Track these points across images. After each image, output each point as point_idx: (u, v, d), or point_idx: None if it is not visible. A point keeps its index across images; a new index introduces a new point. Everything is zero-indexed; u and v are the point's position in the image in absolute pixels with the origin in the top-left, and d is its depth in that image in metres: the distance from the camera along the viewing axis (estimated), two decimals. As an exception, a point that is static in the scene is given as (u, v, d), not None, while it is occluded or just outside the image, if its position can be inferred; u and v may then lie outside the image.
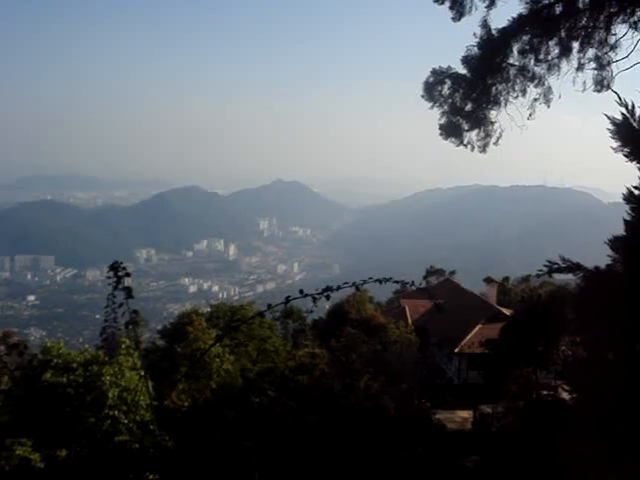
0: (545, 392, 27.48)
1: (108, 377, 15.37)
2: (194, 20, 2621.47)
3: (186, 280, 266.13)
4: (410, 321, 49.71)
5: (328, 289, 6.59)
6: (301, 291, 6.29)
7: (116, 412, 15.42)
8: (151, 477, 8.01)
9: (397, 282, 6.64)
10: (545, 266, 9.39)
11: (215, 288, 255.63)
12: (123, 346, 16.01)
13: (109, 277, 6.78)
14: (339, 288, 6.36)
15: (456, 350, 45.99)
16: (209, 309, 48.04)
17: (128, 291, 6.61)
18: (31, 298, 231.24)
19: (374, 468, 14.70)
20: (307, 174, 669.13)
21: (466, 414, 36.97)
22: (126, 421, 15.48)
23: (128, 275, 6.73)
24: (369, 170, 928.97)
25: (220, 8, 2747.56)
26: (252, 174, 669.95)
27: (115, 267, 6.75)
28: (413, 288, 7.29)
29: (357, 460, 14.41)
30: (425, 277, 71.14)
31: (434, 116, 14.96)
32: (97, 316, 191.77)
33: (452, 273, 72.72)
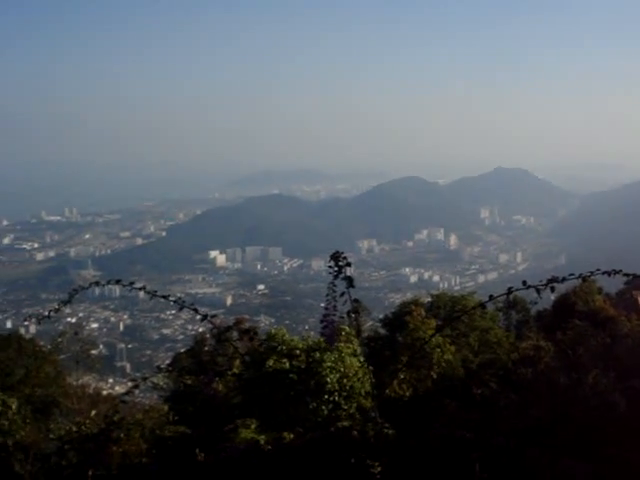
0: None
1: (329, 363, 15.84)
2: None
3: (407, 270, 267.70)
4: (644, 314, 46.79)
5: (552, 280, 6.34)
6: (524, 282, 6.11)
7: (336, 397, 15.89)
8: (372, 464, 8.14)
9: (627, 275, 6.25)
10: None
11: (436, 278, 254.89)
12: (343, 333, 16.44)
13: (330, 267, 6.97)
14: (564, 280, 6.09)
15: (697, 346, 42.60)
16: (430, 299, 47.92)
17: (349, 280, 6.76)
18: (261, 287, 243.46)
19: (603, 468, 13.99)
20: (530, 160, 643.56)
21: None
22: (346, 407, 15.91)
23: (349, 265, 6.88)
24: (597, 154, 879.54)
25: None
26: (473, 162, 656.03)
27: (336, 257, 6.93)
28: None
29: (584, 459, 13.79)
30: (661, 267, 66.49)
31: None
32: (321, 304, 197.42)
33: (692, 263, 67.26)
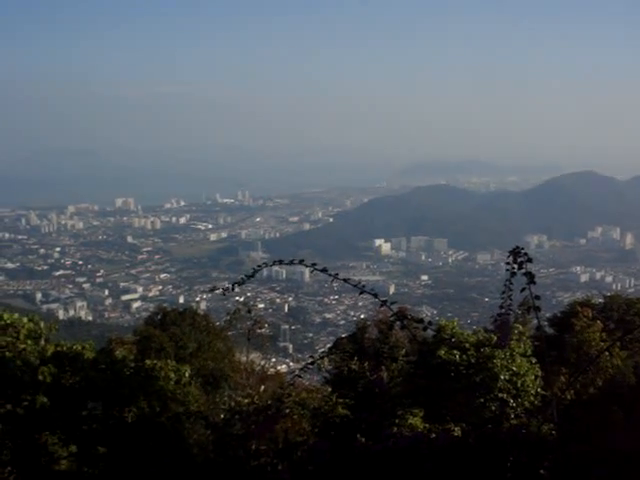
0: None
1: (499, 360, 15.58)
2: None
3: (577, 269, 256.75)
4: None
5: None
6: None
7: (505, 395, 15.59)
8: (543, 465, 7.94)
9: None
10: None
11: (608, 279, 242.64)
12: (516, 331, 16.05)
13: (508, 263, 6.82)
14: None
15: None
16: (602, 300, 45.84)
17: (530, 276, 6.60)
18: (424, 278, 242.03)
19: None
20: None
21: None
22: (514, 405, 15.59)
23: (530, 260, 6.71)
24: None
25: None
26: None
27: (516, 252, 6.78)
28: None
29: None
30: None
31: None
32: (486, 299, 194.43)
33: None
